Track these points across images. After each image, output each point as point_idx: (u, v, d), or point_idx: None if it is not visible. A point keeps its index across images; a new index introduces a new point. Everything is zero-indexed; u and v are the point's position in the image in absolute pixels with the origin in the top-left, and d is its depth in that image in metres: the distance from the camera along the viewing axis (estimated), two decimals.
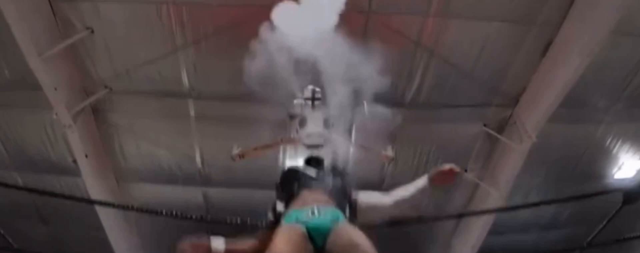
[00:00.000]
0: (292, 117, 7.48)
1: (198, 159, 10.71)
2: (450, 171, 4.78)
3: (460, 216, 12.29)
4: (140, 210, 8.86)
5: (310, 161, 5.57)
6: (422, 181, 4.87)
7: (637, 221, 10.94)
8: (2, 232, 10.31)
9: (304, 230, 4.17)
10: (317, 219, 4.24)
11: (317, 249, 4.21)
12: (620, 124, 10.76)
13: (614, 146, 11.16)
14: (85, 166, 10.07)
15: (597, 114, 10.52)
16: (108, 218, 11.35)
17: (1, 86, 9.49)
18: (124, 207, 9.63)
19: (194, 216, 6.89)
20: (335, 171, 5.25)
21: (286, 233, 4.18)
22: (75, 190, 11.14)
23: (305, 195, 4.64)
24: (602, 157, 11.38)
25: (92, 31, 8.54)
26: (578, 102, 9.78)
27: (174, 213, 6.73)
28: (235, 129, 9.48)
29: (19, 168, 11.12)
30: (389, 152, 7.42)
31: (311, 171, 5.13)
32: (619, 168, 11.59)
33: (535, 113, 9.52)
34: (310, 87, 7.18)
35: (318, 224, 4.21)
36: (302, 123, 7.30)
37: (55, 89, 8.65)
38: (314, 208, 4.29)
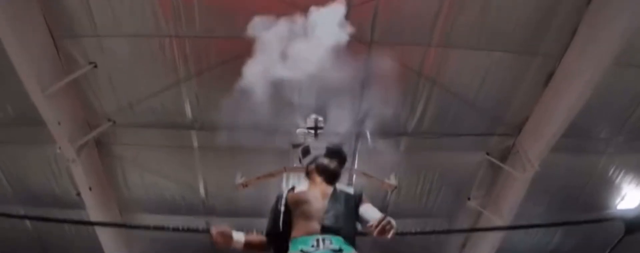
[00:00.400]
0: (295, 146, 7.52)
1: (201, 189, 10.71)
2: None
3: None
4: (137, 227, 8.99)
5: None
6: None
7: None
8: None
9: None
10: (319, 252, 4.23)
11: None
12: (622, 155, 10.74)
13: (617, 177, 11.14)
14: (89, 199, 10.06)
15: (600, 145, 10.51)
16: (110, 249, 11.32)
17: (4, 122, 9.54)
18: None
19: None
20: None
21: None
22: None
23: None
24: (604, 187, 11.34)
25: (95, 66, 8.58)
26: (581, 132, 9.78)
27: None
28: (239, 160, 9.51)
29: (24, 203, 11.09)
30: (392, 180, 7.44)
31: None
32: (622, 199, 11.53)
33: (538, 143, 9.52)
34: (313, 116, 7.23)
35: None
36: (305, 152, 7.34)
37: (59, 124, 8.69)
38: (318, 239, 4.27)
